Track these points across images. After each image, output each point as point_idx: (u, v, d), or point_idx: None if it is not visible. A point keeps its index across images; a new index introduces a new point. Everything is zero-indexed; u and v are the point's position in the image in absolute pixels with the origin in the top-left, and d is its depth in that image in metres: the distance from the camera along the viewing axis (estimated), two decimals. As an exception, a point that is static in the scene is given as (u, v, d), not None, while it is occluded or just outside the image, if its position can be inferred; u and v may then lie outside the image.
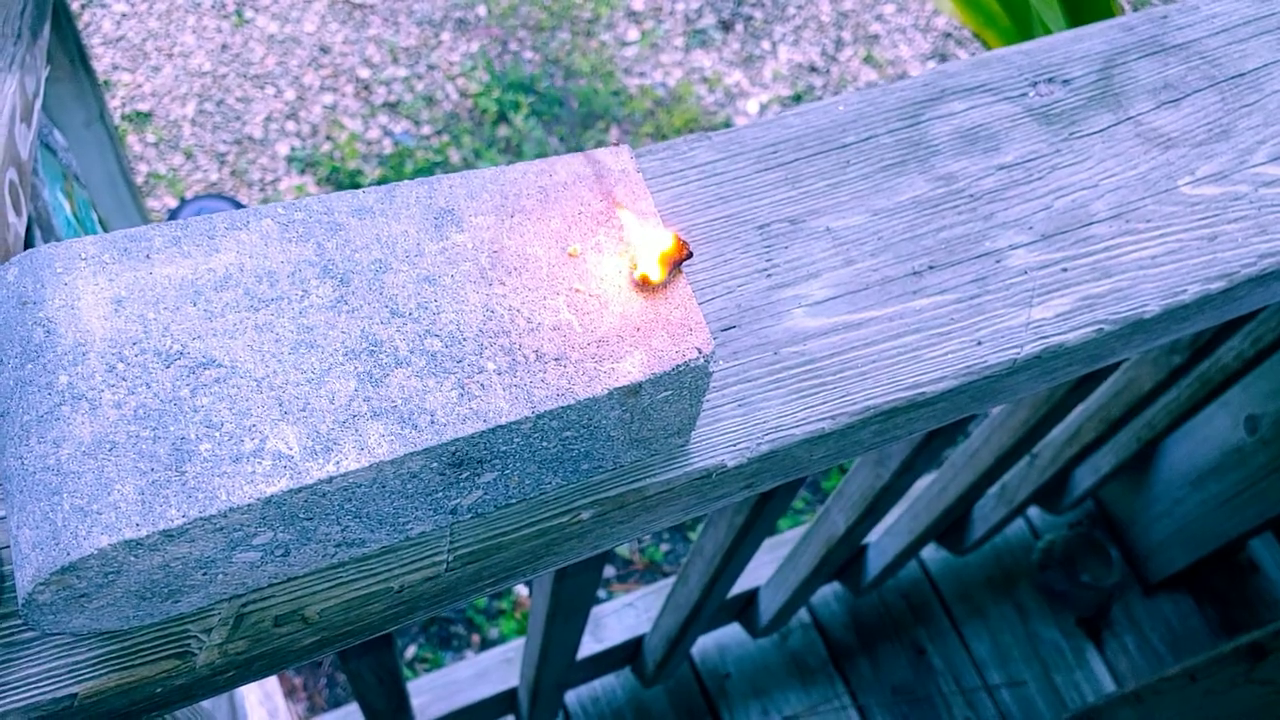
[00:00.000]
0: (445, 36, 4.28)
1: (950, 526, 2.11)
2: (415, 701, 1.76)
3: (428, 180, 0.63)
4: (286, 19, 4.27)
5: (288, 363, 0.57)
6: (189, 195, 3.75)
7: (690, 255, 0.62)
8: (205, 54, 4.11)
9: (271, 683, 2.52)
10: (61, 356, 0.56)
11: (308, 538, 0.59)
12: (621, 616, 1.90)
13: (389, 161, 3.87)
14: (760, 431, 0.70)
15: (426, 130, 4.00)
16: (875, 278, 0.76)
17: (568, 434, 0.61)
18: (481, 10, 4.36)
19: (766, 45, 4.26)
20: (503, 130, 3.99)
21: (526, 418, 0.57)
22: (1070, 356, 0.76)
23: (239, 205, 3.48)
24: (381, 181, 3.77)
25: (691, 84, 4.18)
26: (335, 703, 2.70)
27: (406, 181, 0.63)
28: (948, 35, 4.40)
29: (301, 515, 0.57)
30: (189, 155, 3.85)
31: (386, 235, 0.61)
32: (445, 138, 3.97)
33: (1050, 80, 0.86)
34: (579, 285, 0.61)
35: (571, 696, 2.08)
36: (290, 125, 3.98)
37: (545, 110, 4.03)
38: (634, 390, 0.60)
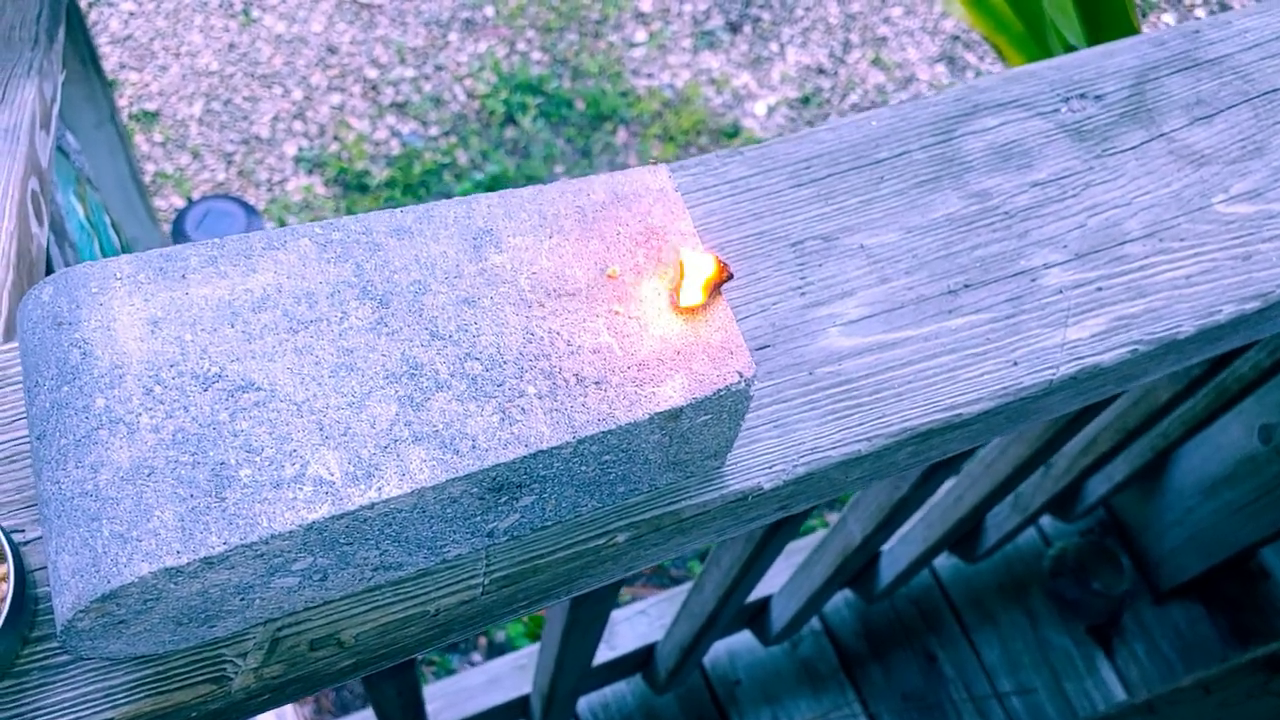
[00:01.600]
0: (453, 37, 4.27)
1: (963, 535, 2.10)
2: (428, 708, 1.75)
3: (465, 200, 0.63)
4: (294, 19, 4.26)
5: (328, 386, 0.56)
6: (195, 195, 3.75)
7: (731, 277, 0.61)
8: (212, 53, 4.10)
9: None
10: (98, 379, 0.55)
11: (346, 562, 0.59)
12: (634, 624, 1.89)
13: (397, 162, 3.86)
14: (796, 454, 0.69)
15: (434, 131, 3.99)
16: (910, 296, 0.75)
17: (607, 458, 0.60)
18: (489, 11, 4.35)
19: (774, 47, 4.25)
20: (510, 132, 3.98)
21: (568, 443, 0.57)
22: (1105, 377, 0.76)
23: (247, 205, 3.48)
24: (390, 183, 3.77)
25: (699, 85, 4.17)
26: (343, 707, 2.69)
27: (444, 201, 0.62)
28: (955, 38, 4.40)
29: (342, 541, 0.56)
30: (196, 155, 3.85)
31: (425, 256, 0.61)
32: (453, 139, 3.96)
33: (1082, 96, 0.85)
34: (618, 308, 0.61)
35: (582, 703, 2.07)
36: (298, 125, 3.97)
37: (553, 111, 4.02)
38: (674, 415, 0.59)
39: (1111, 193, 0.81)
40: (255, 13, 4.23)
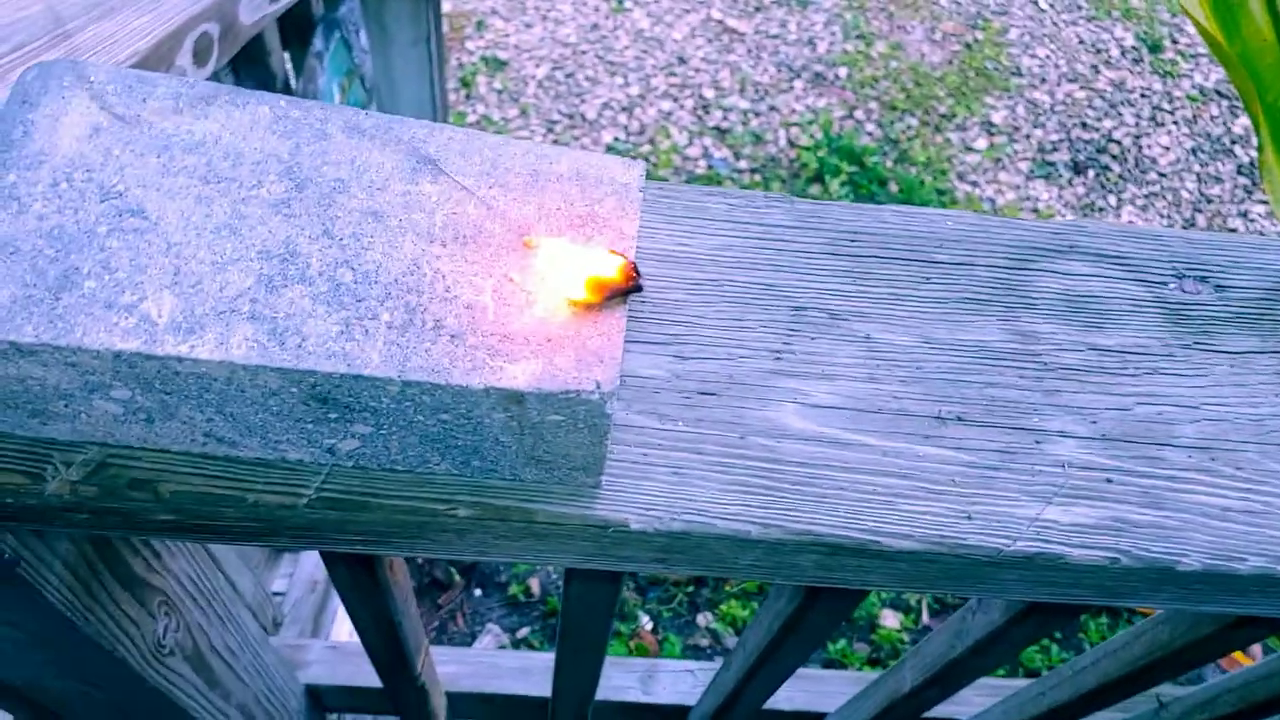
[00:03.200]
0: (798, 85, 4.30)
1: (1060, 746, 1.90)
2: (446, 669, 1.76)
3: (431, 125, 0.62)
4: (660, 19, 4.42)
5: (204, 239, 0.57)
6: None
7: (637, 289, 0.57)
8: (575, 27, 4.32)
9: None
10: (21, 158, 0.58)
11: (170, 413, 0.59)
12: (677, 680, 1.83)
13: (695, 182, 3.92)
14: (682, 507, 0.64)
15: (743, 165, 4.03)
16: (892, 406, 0.68)
17: (444, 417, 0.57)
18: (843, 72, 4.35)
19: (1112, 200, 4.01)
20: (814, 189, 3.96)
21: (391, 379, 0.54)
22: (1072, 575, 0.65)
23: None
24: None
25: (1020, 210, 4.00)
26: (435, 644, 2.76)
27: (411, 120, 0.62)
28: (1314, 255, 3.98)
29: (158, 386, 0.56)
30: (524, 112, 4.06)
31: (363, 160, 0.60)
32: (758, 177, 3.99)
33: (1203, 279, 0.74)
34: (515, 275, 0.58)
35: (613, 738, 2.02)
36: (623, 118, 4.12)
37: (864, 184, 3.96)
38: (517, 398, 0.55)
39: (1180, 389, 0.70)
40: (629, 3, 4.42)
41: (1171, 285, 0.74)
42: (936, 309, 0.72)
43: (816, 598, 1.05)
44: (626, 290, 0.57)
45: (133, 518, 0.64)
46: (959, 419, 0.68)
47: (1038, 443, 0.68)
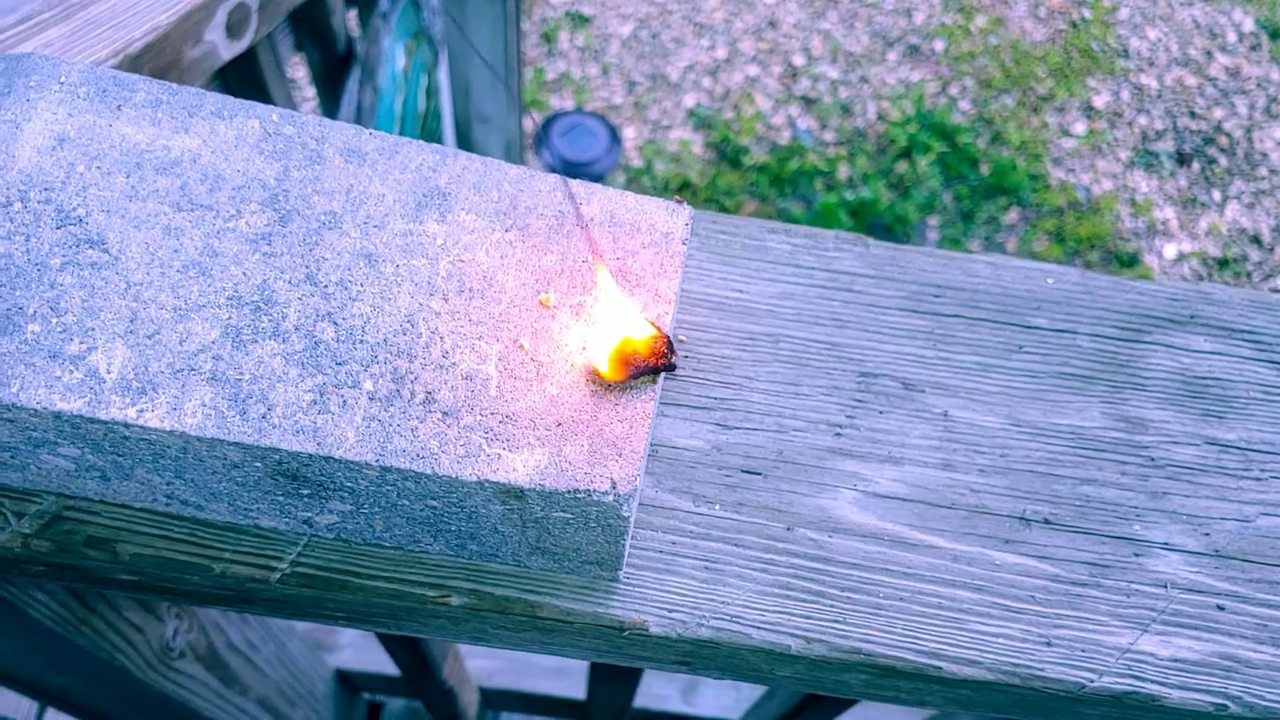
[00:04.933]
0: (891, 56, 4.12)
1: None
2: (477, 664, 1.70)
3: (444, 151, 0.53)
4: (752, -17, 4.26)
5: (169, 279, 0.49)
6: (588, 108, 3.84)
7: (670, 369, 0.48)
8: (663, -14, 4.18)
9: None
10: (-28, 170, 0.50)
11: (125, 474, 0.51)
12: (721, 693, 1.74)
13: (778, 152, 3.78)
14: (711, 611, 0.55)
15: (829, 136, 3.89)
16: (969, 500, 0.58)
17: (433, 503, 0.49)
18: (939, 45, 4.16)
19: (1216, 195, 3.79)
20: (901, 166, 3.80)
21: (369, 464, 0.46)
22: (1166, 718, 0.55)
23: (615, 135, 3.53)
24: (761, 168, 3.71)
25: (1116, 201, 3.80)
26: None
27: (420, 143, 0.53)
28: None
29: (108, 447, 0.48)
30: (605, 71, 3.95)
31: (360, 191, 0.51)
32: (842, 150, 3.84)
33: (1351, 365, 0.63)
34: (526, 341, 0.49)
35: (651, 740, 1.95)
36: (706, 81, 3.99)
37: (954, 164, 3.80)
38: (516, 493, 0.47)
39: (1316, 499, 0.59)
40: (720, -36, 4.26)
41: (1311, 371, 0.63)
42: (1029, 385, 0.61)
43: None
44: (657, 369, 0.47)
45: (91, 574, 0.57)
46: (1046, 521, 0.58)
47: (1137, 555, 0.57)
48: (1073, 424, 0.60)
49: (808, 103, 3.97)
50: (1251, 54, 4.20)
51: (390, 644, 1.17)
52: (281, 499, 0.51)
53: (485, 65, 2.44)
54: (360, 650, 1.68)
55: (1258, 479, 0.60)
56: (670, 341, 0.48)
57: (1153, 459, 0.60)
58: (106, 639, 0.89)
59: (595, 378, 0.48)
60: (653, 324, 0.48)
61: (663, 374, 0.48)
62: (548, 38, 4.01)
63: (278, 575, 0.54)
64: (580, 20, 4.05)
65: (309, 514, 0.52)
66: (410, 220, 0.51)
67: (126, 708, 1.10)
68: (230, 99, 0.53)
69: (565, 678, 1.75)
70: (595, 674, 1.24)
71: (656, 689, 1.72)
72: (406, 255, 0.50)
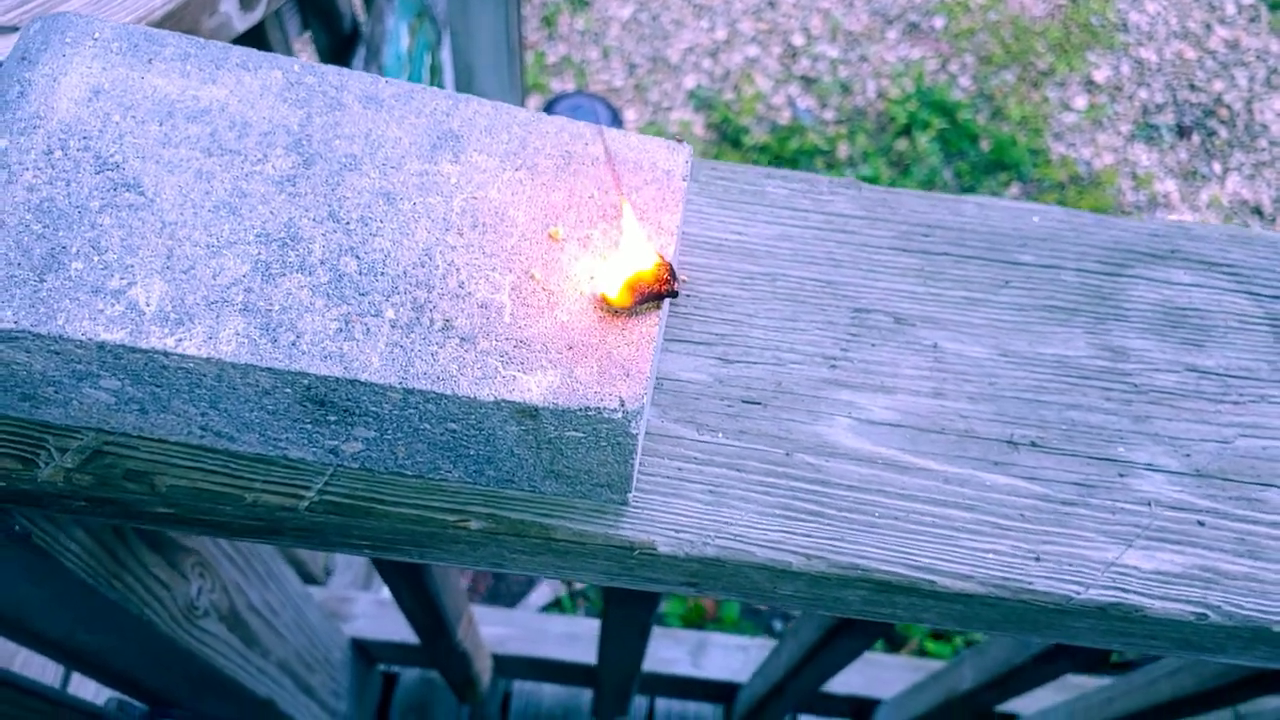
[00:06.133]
0: (891, 34, 4.14)
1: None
2: (493, 630, 1.74)
3: (456, 96, 0.56)
4: (751, -38, 4.28)
5: (202, 219, 0.52)
6: (590, 89, 3.86)
7: (673, 294, 0.51)
8: (663, -32, 4.20)
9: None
10: (16, 121, 0.53)
11: (163, 406, 0.54)
12: (729, 656, 1.78)
13: (779, 131, 3.80)
14: (715, 531, 0.58)
15: (829, 115, 3.91)
16: (958, 425, 0.61)
17: (453, 426, 0.52)
18: (939, 22, 4.18)
19: (1217, 167, 3.81)
20: (901, 144, 3.83)
21: (393, 386, 0.49)
22: (1150, 628, 0.58)
23: (617, 117, 3.56)
24: (762, 147, 3.73)
25: (1117, 175, 3.82)
26: (492, 597, 2.75)
27: (434, 89, 0.56)
28: None
29: (147, 378, 0.52)
30: (606, 54, 3.97)
31: (378, 135, 0.54)
32: (843, 129, 3.86)
33: (1325, 295, 0.66)
34: (537, 272, 0.52)
35: (663, 704, 1.98)
36: (707, 63, 4.01)
37: (954, 141, 3.82)
38: (530, 412, 0.50)
39: (1291, 421, 0.62)
40: (720, -55, 4.28)
41: (1287, 301, 0.66)
42: (1016, 317, 0.64)
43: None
44: (661, 294, 0.50)
45: (130, 508, 0.60)
46: (1033, 444, 0.61)
47: (1121, 476, 0.60)
48: (1058, 353, 0.63)
49: (808, 82, 3.99)
50: (1250, 26, 4.21)
51: (406, 602, 1.20)
52: (309, 426, 0.54)
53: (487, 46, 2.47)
54: (374, 619, 1.72)
55: (1236, 403, 0.63)
56: (672, 269, 0.51)
57: (1135, 385, 0.63)
58: (135, 593, 0.93)
59: (603, 305, 0.51)
60: (656, 253, 0.51)
61: (666, 299, 0.51)
62: (548, 21, 4.03)
63: (306, 503, 0.58)
64: (580, 3, 4.07)
65: (335, 442, 0.55)
66: (426, 161, 0.54)
67: (152, 666, 1.14)
68: (255, 52, 0.56)
69: (576, 643, 1.78)
70: (606, 625, 1.27)
71: (665, 652, 1.76)
72: (423, 193, 0.53)
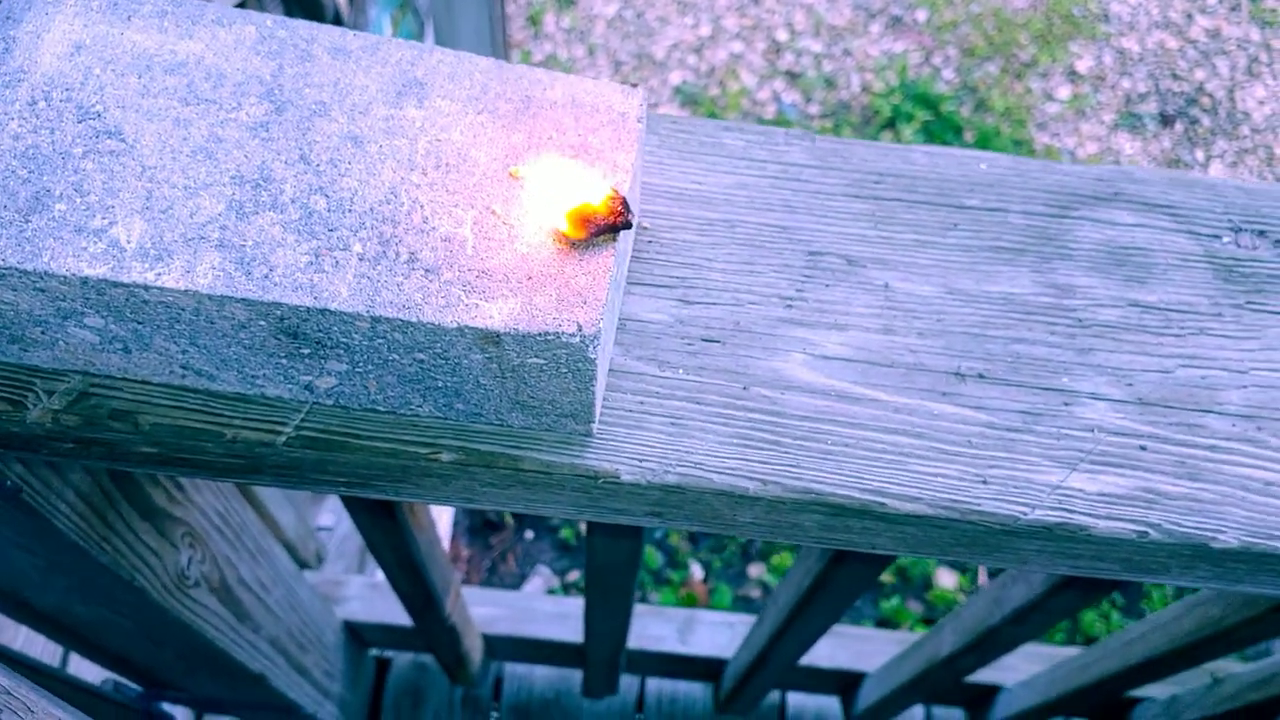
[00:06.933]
0: (874, 28, 4.18)
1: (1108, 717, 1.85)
2: (483, 610, 1.76)
3: (420, 47, 0.58)
4: (735, -40, 4.31)
5: (180, 163, 0.54)
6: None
7: (627, 225, 0.53)
8: (648, -33, 4.23)
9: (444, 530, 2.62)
10: (1, 75, 0.56)
11: (144, 344, 0.57)
12: (715, 632, 1.81)
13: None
14: (677, 460, 0.60)
15: (814, 110, 3.94)
16: (908, 359, 0.64)
17: (420, 356, 0.55)
18: (922, 15, 4.21)
19: (1200, 155, 3.84)
20: (886, 137, 3.86)
21: (361, 314, 0.52)
22: (1095, 547, 0.61)
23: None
24: (748, 141, 3.75)
25: (1102, 163, 3.85)
26: (486, 585, 2.78)
27: (400, 41, 0.58)
28: None
29: (129, 315, 0.54)
30: (591, 52, 4.00)
31: (346, 83, 0.57)
32: (828, 123, 3.89)
33: (1261, 233, 0.69)
34: (498, 208, 0.55)
35: (653, 685, 2.01)
36: (692, 59, 4.04)
37: (938, 133, 3.85)
38: (493, 338, 0.52)
39: (1229, 352, 0.65)
40: (707, -56, 4.32)
41: (1225, 239, 0.68)
42: (963, 257, 0.67)
43: (845, 556, 1.01)
44: (615, 226, 0.53)
45: (115, 448, 0.63)
46: (980, 376, 0.64)
47: (1066, 404, 0.63)
48: (1004, 291, 0.66)
49: (792, 77, 4.02)
50: (1231, 15, 4.25)
51: (393, 571, 1.23)
52: (284, 361, 0.57)
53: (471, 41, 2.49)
54: (367, 601, 1.74)
55: (1177, 335, 0.65)
56: (625, 201, 0.53)
57: (1080, 320, 0.65)
58: (125, 558, 0.95)
59: (561, 238, 0.54)
60: (611, 188, 0.54)
61: (623, 233, 0.54)
62: (533, 20, 4.06)
63: (284, 438, 0.60)
64: (566, 2, 4.10)
65: (310, 377, 0.58)
66: (391, 107, 0.57)
67: (145, 640, 1.16)
68: (229, 8, 0.59)
69: (565, 622, 1.81)
70: (591, 594, 1.30)
71: (653, 629, 1.79)
72: (389, 136, 0.56)
